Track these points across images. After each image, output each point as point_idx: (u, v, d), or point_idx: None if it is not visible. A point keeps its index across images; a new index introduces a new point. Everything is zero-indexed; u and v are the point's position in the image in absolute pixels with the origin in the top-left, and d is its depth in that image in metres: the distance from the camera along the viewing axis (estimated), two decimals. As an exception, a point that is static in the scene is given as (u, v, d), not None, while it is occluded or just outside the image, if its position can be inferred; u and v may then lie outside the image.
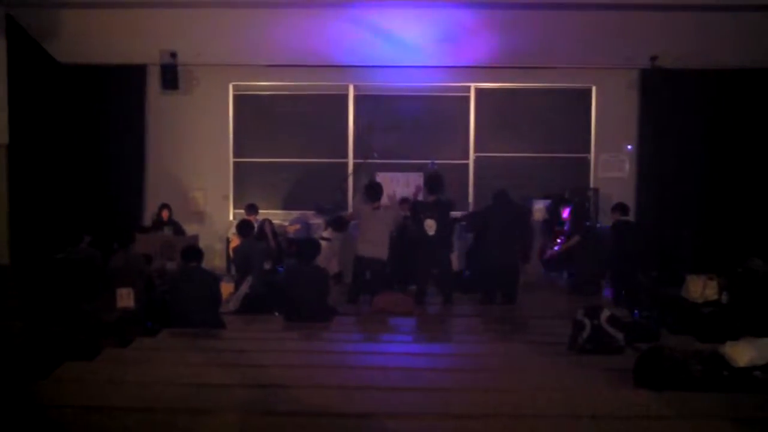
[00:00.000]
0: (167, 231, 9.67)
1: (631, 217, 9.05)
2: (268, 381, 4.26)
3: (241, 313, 7.13)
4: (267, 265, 8.24)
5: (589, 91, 11.08)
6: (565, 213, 9.48)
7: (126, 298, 6.54)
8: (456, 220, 8.51)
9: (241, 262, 8.02)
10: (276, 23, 9.87)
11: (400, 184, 8.25)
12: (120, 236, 7.89)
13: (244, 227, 8.27)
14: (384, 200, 7.86)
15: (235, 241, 8.81)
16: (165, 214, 9.99)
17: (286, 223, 10.25)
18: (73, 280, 7.21)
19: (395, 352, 5.71)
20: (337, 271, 8.90)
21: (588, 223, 9.43)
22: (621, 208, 8.74)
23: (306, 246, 7.20)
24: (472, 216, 8.17)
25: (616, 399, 3.94)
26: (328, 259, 8.41)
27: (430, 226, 7.57)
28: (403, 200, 8.12)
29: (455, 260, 8.44)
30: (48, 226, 10.12)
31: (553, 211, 9.97)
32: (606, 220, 9.41)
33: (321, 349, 5.72)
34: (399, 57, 10.50)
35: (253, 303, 7.30)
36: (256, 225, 9.05)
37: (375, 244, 7.65)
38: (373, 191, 7.80)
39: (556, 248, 9.46)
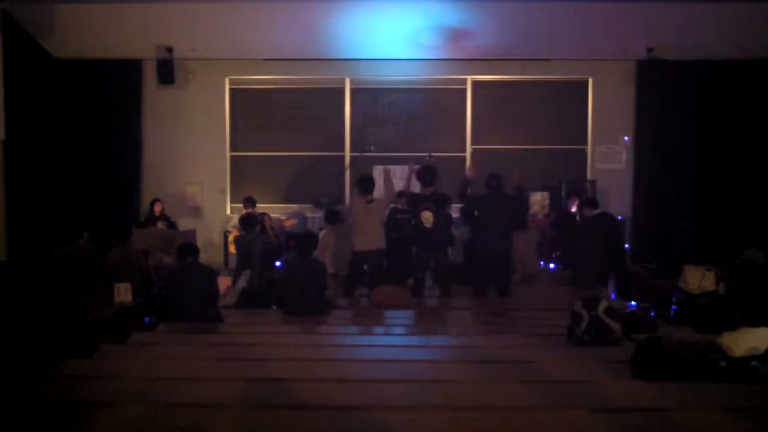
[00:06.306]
0: (160, 225, 9.65)
1: (602, 209, 8.91)
2: (267, 375, 4.27)
3: (239, 308, 7.12)
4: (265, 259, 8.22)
5: (586, 82, 11.07)
6: (574, 207, 9.42)
7: (124, 293, 6.54)
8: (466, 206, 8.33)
9: (242, 253, 8.02)
10: (272, 17, 9.83)
11: (397, 177, 8.23)
12: (117, 232, 7.89)
13: (247, 220, 8.28)
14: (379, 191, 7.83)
15: (235, 233, 8.81)
16: (158, 208, 9.93)
17: (284, 217, 10.24)
18: (71, 276, 7.21)
19: (393, 344, 5.71)
20: (332, 272, 8.74)
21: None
22: (590, 202, 8.79)
23: (304, 240, 7.19)
24: (468, 200, 7.97)
25: (614, 390, 3.95)
26: (320, 252, 8.32)
27: (427, 218, 7.56)
28: (400, 194, 8.08)
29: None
30: (45, 221, 10.11)
31: (559, 207, 9.94)
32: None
33: (319, 343, 5.72)
34: (395, 50, 10.48)
35: (251, 297, 7.29)
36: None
37: (372, 237, 7.61)
38: (365, 184, 7.78)
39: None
